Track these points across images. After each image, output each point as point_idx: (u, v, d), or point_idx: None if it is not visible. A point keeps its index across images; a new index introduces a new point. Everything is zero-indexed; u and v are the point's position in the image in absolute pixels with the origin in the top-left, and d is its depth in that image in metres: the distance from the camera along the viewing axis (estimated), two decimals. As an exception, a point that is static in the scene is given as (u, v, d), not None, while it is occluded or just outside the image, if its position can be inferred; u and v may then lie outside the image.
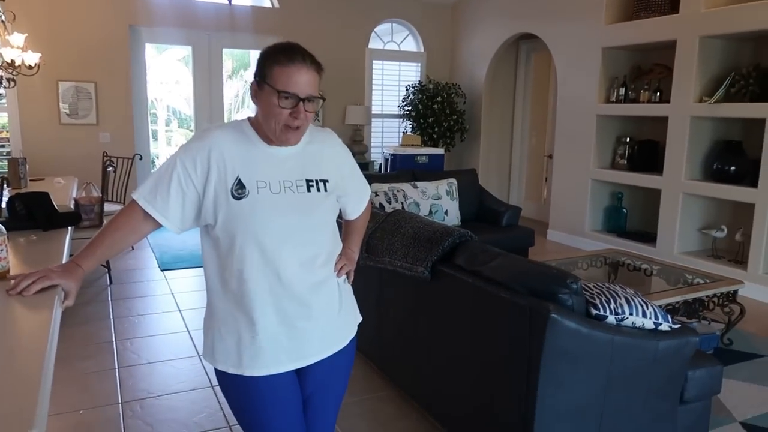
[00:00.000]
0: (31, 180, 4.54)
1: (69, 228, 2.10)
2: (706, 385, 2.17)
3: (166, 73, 9.94)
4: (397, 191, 4.51)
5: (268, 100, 1.29)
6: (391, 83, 7.67)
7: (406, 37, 7.77)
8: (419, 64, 7.77)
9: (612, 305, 1.95)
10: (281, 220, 1.34)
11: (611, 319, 1.93)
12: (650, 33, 5.17)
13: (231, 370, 1.39)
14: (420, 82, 7.44)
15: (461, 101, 7.39)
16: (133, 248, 5.41)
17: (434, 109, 7.10)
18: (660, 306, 2.78)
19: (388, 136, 7.76)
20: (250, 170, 1.34)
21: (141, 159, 6.01)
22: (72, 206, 3.74)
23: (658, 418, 2.09)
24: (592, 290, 2.05)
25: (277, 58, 1.28)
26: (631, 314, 1.95)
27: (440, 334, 2.40)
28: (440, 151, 6.89)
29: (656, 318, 1.99)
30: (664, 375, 2.04)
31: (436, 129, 7.16)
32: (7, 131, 5.98)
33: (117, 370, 3.07)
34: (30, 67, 4.79)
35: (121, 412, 2.65)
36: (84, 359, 3.18)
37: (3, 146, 5.99)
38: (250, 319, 1.36)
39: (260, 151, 1.37)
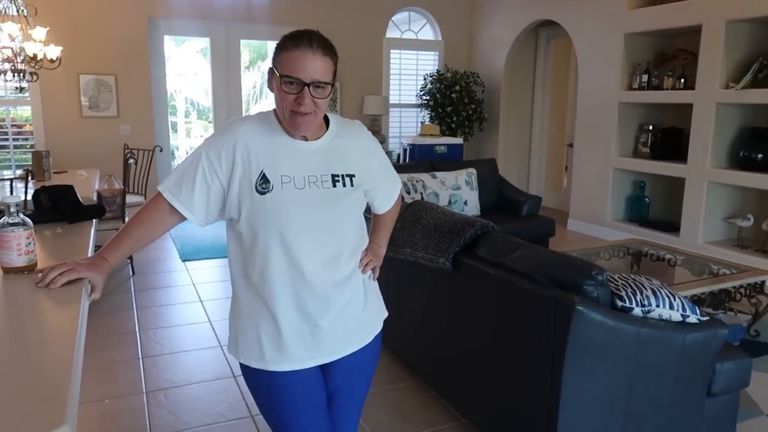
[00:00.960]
0: (54, 173, 4.60)
1: (93, 220, 2.12)
2: (735, 378, 2.13)
3: (185, 65, 10.00)
4: (416, 181, 4.49)
5: (277, 86, 1.28)
6: (409, 72, 7.62)
7: (423, 25, 7.70)
8: (437, 53, 7.70)
9: (638, 297, 1.92)
10: (305, 215, 1.32)
11: (637, 311, 1.90)
12: (674, 17, 5.06)
13: (254, 365, 1.38)
14: (438, 71, 7.38)
15: (480, 90, 7.32)
16: (154, 239, 5.46)
17: (452, 99, 7.04)
18: (685, 297, 2.73)
19: (406, 126, 7.71)
20: (275, 164, 1.32)
21: (161, 151, 6.05)
22: (95, 198, 3.78)
23: (684, 411, 2.06)
24: (618, 281, 2.02)
25: (285, 44, 1.28)
26: (657, 306, 1.92)
27: (462, 325, 2.39)
28: (459, 140, 6.84)
29: (684, 310, 1.95)
30: (691, 368, 2.00)
31: (454, 118, 7.10)
32: (30, 125, 6.06)
33: (141, 360, 3.11)
34: (52, 61, 4.83)
35: (145, 401, 2.69)
36: (109, 349, 3.23)
37: (27, 139, 6.07)
38: (272, 314, 1.35)
39: (285, 145, 1.35)
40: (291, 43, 1.26)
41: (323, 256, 1.35)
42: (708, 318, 2.03)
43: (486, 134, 7.57)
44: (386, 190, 1.57)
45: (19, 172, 4.82)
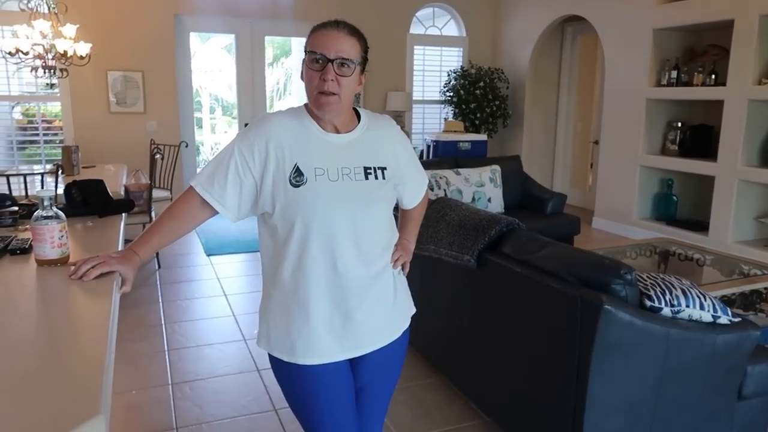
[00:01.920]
0: (83, 167, 4.69)
1: (123, 214, 2.15)
2: (767, 381, 2.08)
3: (210, 62, 10.10)
4: (440, 178, 4.47)
5: (305, 66, 1.32)
6: (433, 69, 7.58)
7: (447, 21, 7.65)
8: (461, 49, 7.65)
9: (667, 297, 1.88)
10: (339, 208, 1.32)
11: (666, 311, 1.87)
12: (705, 12, 4.95)
13: (285, 358, 1.39)
14: (462, 67, 7.33)
15: (504, 86, 7.26)
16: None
17: (476, 95, 6.99)
18: (715, 298, 2.68)
19: (430, 122, 7.69)
20: (309, 157, 1.32)
21: (187, 146, 6.13)
22: (122, 193, 3.84)
23: (714, 414, 2.02)
24: (646, 281, 1.99)
25: (314, 28, 1.33)
26: (687, 306, 1.88)
27: (486, 323, 2.37)
28: (483, 137, 6.79)
29: (715, 311, 1.91)
30: (722, 370, 1.96)
31: (478, 115, 7.05)
32: (60, 120, 6.18)
33: (167, 352, 3.16)
34: (81, 58, 4.92)
35: (171, 393, 2.73)
36: (135, 341, 3.28)
37: (56, 134, 6.20)
38: (304, 307, 1.35)
39: (318, 137, 1.35)
40: (320, 25, 1.32)
41: (357, 249, 1.35)
42: (740, 319, 1.98)
43: (510, 131, 7.50)
44: (414, 185, 1.58)
45: (49, 166, 4.92)
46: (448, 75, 7.30)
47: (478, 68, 7.16)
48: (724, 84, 4.88)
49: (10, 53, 4.55)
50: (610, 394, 1.84)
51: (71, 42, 4.80)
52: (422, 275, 2.81)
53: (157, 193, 4.85)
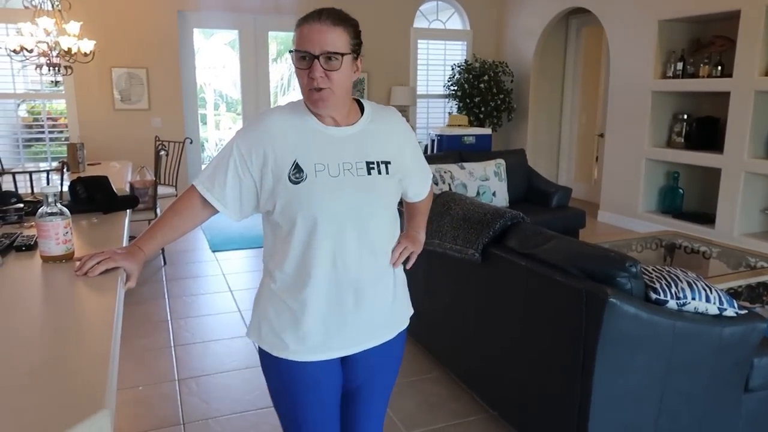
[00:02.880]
0: (88, 164, 4.71)
1: (127, 211, 2.16)
2: (774, 373, 2.07)
3: (214, 58, 10.10)
4: (444, 172, 4.46)
5: (294, 67, 1.28)
6: (437, 63, 7.56)
7: (451, 15, 7.62)
8: (465, 43, 7.62)
9: (673, 289, 1.87)
10: (340, 204, 1.30)
11: (672, 303, 1.86)
12: (711, 3, 4.90)
13: (275, 353, 1.37)
14: (466, 61, 7.30)
15: (508, 80, 7.23)
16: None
17: (481, 89, 6.96)
18: (722, 290, 2.67)
19: (434, 116, 7.67)
20: (308, 153, 1.30)
21: (191, 143, 6.14)
22: (127, 190, 3.85)
23: (720, 407, 2.01)
24: (652, 274, 1.98)
25: (297, 24, 1.28)
26: (693, 299, 1.87)
27: (491, 317, 2.37)
28: (487, 131, 6.76)
29: (721, 303, 1.90)
30: (728, 362, 1.95)
31: (482, 109, 7.03)
32: (65, 118, 6.20)
33: (173, 348, 3.17)
34: (85, 55, 4.93)
35: (177, 388, 2.74)
36: (141, 337, 3.30)
37: (61, 132, 6.22)
38: (301, 303, 1.33)
39: (318, 132, 1.32)
40: (301, 20, 1.27)
41: (358, 245, 1.33)
42: (746, 311, 1.97)
43: (515, 124, 7.48)
44: (420, 178, 1.55)
45: (54, 164, 4.94)
46: (453, 69, 7.28)
47: (482, 62, 7.13)
48: (730, 75, 4.84)
49: (14, 51, 4.56)
50: (615, 386, 1.83)
51: (75, 39, 4.81)
52: (427, 269, 2.81)
53: (161, 190, 4.87)
